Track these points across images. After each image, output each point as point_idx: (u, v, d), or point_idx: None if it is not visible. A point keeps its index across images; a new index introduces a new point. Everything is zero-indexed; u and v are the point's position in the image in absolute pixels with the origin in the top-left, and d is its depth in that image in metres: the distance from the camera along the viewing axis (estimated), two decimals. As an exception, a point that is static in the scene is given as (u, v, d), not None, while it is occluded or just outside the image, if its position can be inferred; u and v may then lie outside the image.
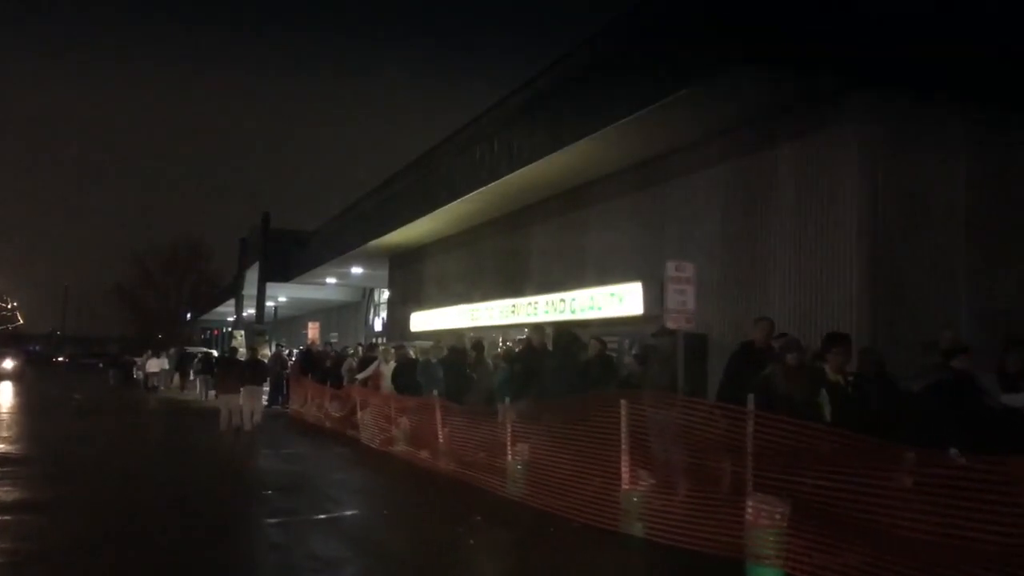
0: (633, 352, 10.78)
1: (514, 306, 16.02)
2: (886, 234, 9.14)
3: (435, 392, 12.11)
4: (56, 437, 15.66)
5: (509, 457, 9.67)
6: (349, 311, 44.47)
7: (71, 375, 49.19)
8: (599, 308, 13.09)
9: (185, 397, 28.17)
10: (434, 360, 13.14)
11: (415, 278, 22.81)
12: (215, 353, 38.91)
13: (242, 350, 36.87)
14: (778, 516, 5.97)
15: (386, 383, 15.92)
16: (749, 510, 6.12)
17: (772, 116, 10.32)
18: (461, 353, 12.23)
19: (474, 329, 17.86)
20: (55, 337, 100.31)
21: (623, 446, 7.75)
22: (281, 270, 33.56)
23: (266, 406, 22.08)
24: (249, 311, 46.43)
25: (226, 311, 58.38)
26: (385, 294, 39.74)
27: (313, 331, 25.07)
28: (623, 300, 12.54)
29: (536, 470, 9.04)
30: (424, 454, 12.21)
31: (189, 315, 60.43)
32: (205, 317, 63.38)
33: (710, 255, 10.99)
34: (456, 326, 18.77)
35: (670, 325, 8.10)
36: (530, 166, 13.75)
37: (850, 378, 6.79)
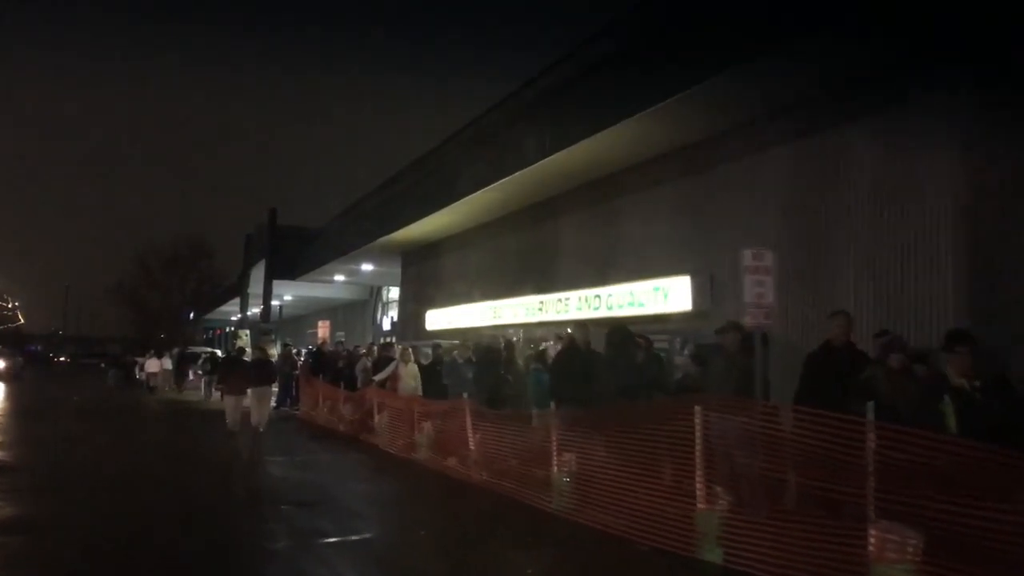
0: (686, 351, 9.79)
1: (541, 303, 15.00)
2: (984, 218, 8.10)
3: (464, 395, 11.15)
4: (48, 443, 14.65)
5: (555, 468, 8.68)
6: (356, 310, 43.48)
7: (71, 376, 48.33)
8: (640, 304, 12.08)
9: (186, 398, 27.31)
10: (460, 360, 12.16)
11: (430, 275, 21.82)
12: (220, 353, 38.06)
13: (248, 350, 36.03)
14: (910, 549, 4.99)
15: (405, 385, 15.02)
16: (872, 541, 5.13)
17: (846, 89, 9.29)
18: (495, 353, 11.21)
19: (496, 328, 16.85)
20: (57, 337, 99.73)
21: (698, 459, 6.75)
22: (288, 267, 32.58)
23: (274, 408, 21.22)
24: (254, 310, 45.50)
25: (230, 310, 57.42)
26: (394, 292, 38.83)
27: (323, 330, 24.06)
28: (668, 295, 11.53)
29: (587, 484, 8.04)
30: (451, 462, 11.23)
31: (192, 314, 59.51)
32: (208, 317, 62.50)
33: (769, 244, 9.93)
34: (476, 324, 17.78)
35: (748, 322, 7.09)
36: (562, 152, 12.76)
37: (976, 383, 5.78)
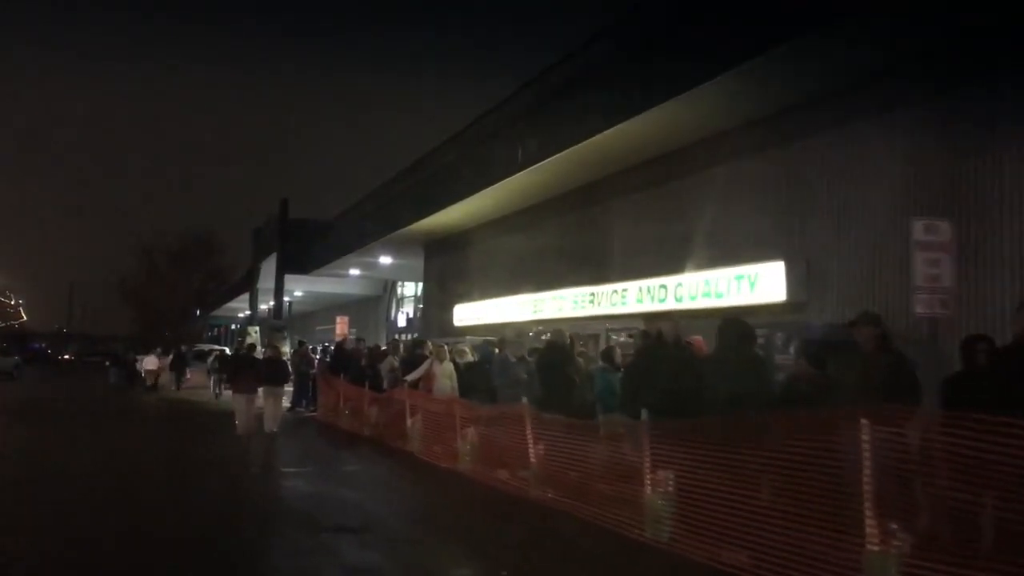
0: (792, 349, 8.32)
1: (593, 295, 13.52)
2: None
3: (520, 397, 9.72)
4: (38, 451, 13.18)
5: (648, 489, 7.23)
6: (369, 306, 42.04)
7: (73, 374, 47.09)
8: (718, 295, 10.60)
9: (188, 396, 26.13)
10: (513, 358, 10.72)
11: (458, 266, 20.34)
12: (228, 351, 36.75)
13: (258, 347, 34.61)
14: None
15: (440, 385, 13.62)
16: None
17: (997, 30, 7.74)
18: (561, 351, 9.72)
19: (538, 323, 15.40)
20: (60, 335, 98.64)
21: (867, 487, 5.28)
22: (300, 262, 31.15)
23: (288, 409, 19.83)
24: (263, 306, 44.11)
25: (237, 307, 56.01)
26: (408, 288, 37.50)
27: (341, 326, 22.65)
28: (756, 284, 10.05)
29: (694, 509, 6.59)
30: (502, 475, 9.80)
31: (197, 312, 58.15)
32: (215, 314, 61.14)
33: (892, 222, 8.45)
34: (512, 320, 16.33)
35: (920, 311, 5.64)
36: (622, 126, 11.30)
37: None
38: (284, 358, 18.71)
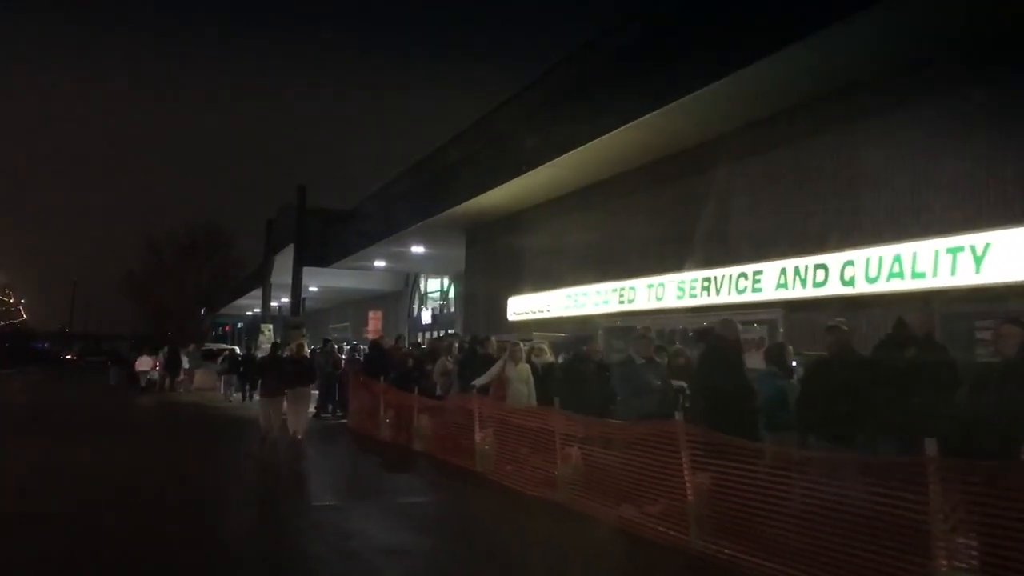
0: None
1: (709, 280, 10.94)
2: None
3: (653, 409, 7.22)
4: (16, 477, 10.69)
5: (943, 560, 4.73)
6: (388, 302, 39.47)
7: (74, 374, 44.77)
8: (918, 275, 8.00)
9: (196, 400, 23.93)
10: (640, 360, 8.16)
11: (510, 254, 17.75)
12: (238, 351, 34.57)
13: (267, 346, 32.10)
14: None
15: (515, 392, 11.16)
16: None
17: None
18: (731, 348, 7.15)
19: (623, 315, 12.86)
20: (64, 334, 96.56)
21: None
22: (319, 253, 28.61)
23: (313, 415, 16.98)
24: (275, 303, 41.57)
25: (246, 304, 53.40)
26: (433, 282, 34.91)
27: (375, 322, 20.13)
28: (983, 260, 7.46)
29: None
30: (628, 512, 7.33)
31: (203, 311, 55.49)
32: (222, 312, 58.47)
33: None
34: (589, 312, 13.79)
35: None
36: (760, 63, 8.76)
37: None
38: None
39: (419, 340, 26.11)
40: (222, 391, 25.39)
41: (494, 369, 11.47)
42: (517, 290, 16.91)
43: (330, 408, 19.43)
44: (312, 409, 17.09)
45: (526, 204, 16.42)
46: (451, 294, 31.85)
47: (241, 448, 11.65)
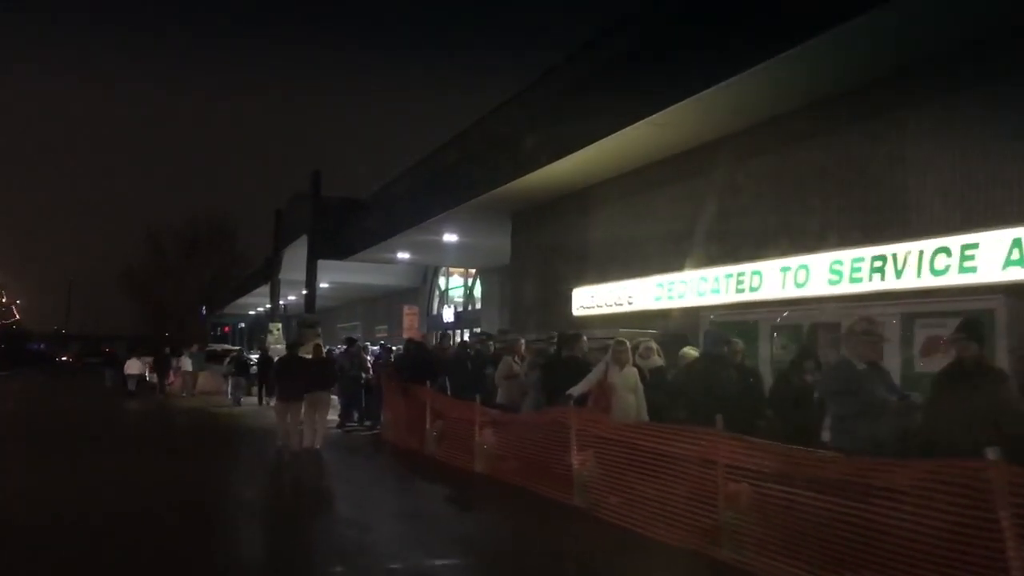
0: None
1: (883, 259, 8.40)
2: None
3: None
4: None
5: None
6: (404, 299, 36.96)
7: (69, 376, 42.60)
8: None
9: (200, 405, 22.21)
10: (861, 365, 5.62)
11: (575, 238, 15.14)
12: (247, 352, 32.47)
13: (278, 347, 29.79)
14: None
15: (622, 403, 8.83)
16: None
17: None
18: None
19: (741, 306, 10.39)
20: (60, 336, 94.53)
21: None
22: (335, 245, 26.07)
23: (336, 426, 15.59)
24: (284, 300, 38.95)
25: (250, 303, 50.83)
26: (452, 279, 32.39)
27: (411, 318, 17.66)
28: None
29: None
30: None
31: (204, 310, 52.86)
32: (224, 312, 55.77)
33: None
34: (690, 303, 11.33)
35: None
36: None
37: None
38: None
39: (437, 339, 23.68)
40: (229, 395, 23.80)
41: (594, 374, 9.03)
42: (583, 280, 14.42)
43: (355, 417, 17.13)
44: (333, 417, 14.85)
45: (599, 178, 13.89)
46: (476, 290, 29.37)
47: (254, 461, 9.49)
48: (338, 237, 26.00)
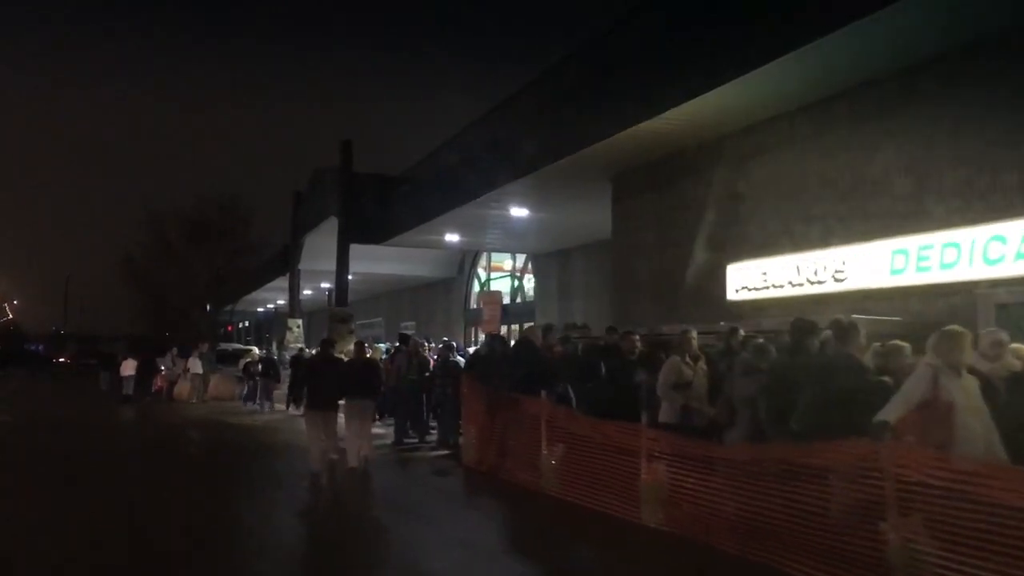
0: None
1: None
2: None
3: None
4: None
5: None
6: (433, 292, 33.40)
7: (66, 378, 40.09)
8: None
9: (212, 414, 19.55)
10: None
11: (721, 197, 11.46)
12: (257, 351, 29.03)
13: (297, 346, 26.56)
14: None
15: (965, 429, 5.20)
16: None
17: None
18: None
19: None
20: (59, 336, 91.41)
21: None
22: (369, 228, 22.48)
23: (392, 444, 13.19)
24: (303, 293, 35.26)
25: (259, 298, 47.18)
26: (496, 264, 28.66)
27: (492, 308, 14.11)
28: None
29: None
30: None
31: (208, 307, 48.90)
32: (229, 308, 51.76)
33: None
34: (956, 277, 7.79)
35: None
36: None
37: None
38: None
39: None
40: (256, 402, 21.63)
41: (915, 388, 5.47)
42: (741, 253, 10.81)
43: (406, 429, 13.85)
44: (379, 428, 11.86)
45: (776, 110, 10.26)
46: (528, 279, 25.79)
47: (287, 497, 8.14)
48: (372, 218, 22.44)
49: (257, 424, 17.68)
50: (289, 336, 28.41)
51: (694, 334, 8.29)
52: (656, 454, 7.56)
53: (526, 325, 12.99)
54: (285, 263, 32.80)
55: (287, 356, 28.07)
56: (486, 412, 11.06)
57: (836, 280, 9.03)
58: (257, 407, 22.33)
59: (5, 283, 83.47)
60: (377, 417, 16.51)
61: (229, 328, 58.73)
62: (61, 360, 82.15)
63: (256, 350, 32.58)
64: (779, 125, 10.23)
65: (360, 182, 22.61)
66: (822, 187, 9.54)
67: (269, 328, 64.34)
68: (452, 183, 17.96)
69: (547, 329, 10.92)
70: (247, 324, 70.11)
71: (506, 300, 27.04)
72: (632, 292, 13.54)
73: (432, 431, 14.11)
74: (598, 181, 14.10)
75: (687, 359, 8.17)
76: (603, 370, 9.12)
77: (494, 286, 28.79)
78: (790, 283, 9.69)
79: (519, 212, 17.15)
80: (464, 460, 11.50)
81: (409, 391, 14.30)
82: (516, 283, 26.82)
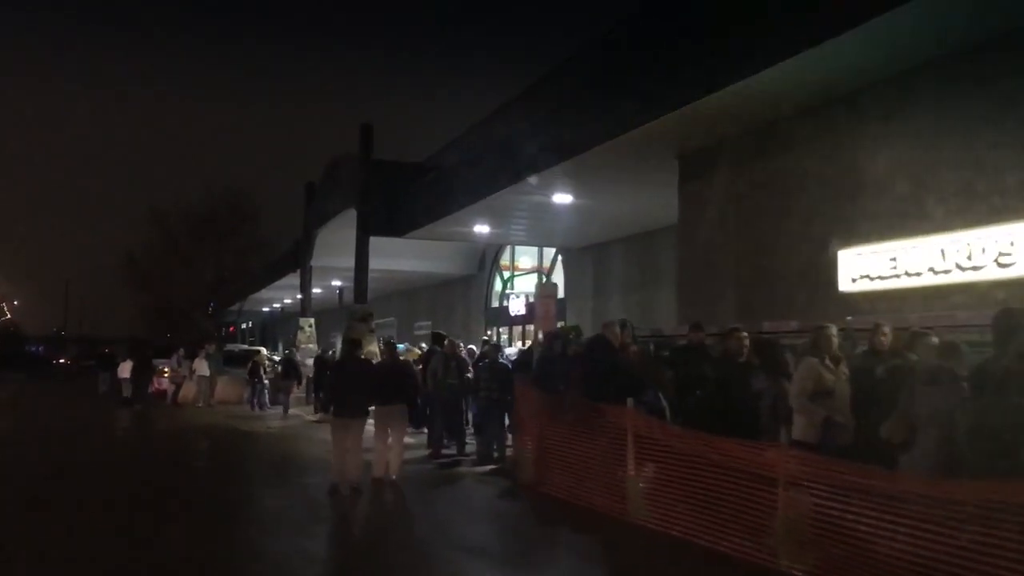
0: None
1: None
2: None
3: None
4: None
5: None
6: (450, 290, 31.75)
7: (65, 381, 38.85)
8: None
9: (221, 420, 18.50)
10: None
11: (827, 171, 9.75)
12: (266, 353, 27.72)
13: (310, 347, 25.05)
14: None
15: None
16: None
17: None
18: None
19: None
20: (59, 337, 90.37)
21: None
22: (390, 219, 20.85)
23: (428, 454, 12.01)
24: (312, 291, 33.53)
25: (264, 298, 45.47)
26: (521, 258, 26.87)
27: (547, 304, 12.46)
28: None
29: None
30: None
31: (210, 307, 47.31)
32: (234, 308, 50.15)
33: None
34: None
35: None
36: None
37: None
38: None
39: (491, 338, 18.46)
40: (261, 405, 21.06)
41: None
42: (854, 236, 9.14)
43: (448, 442, 12.32)
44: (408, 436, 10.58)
45: (883, 74, 8.59)
46: (559, 275, 24.14)
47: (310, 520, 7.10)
48: (394, 208, 20.81)
49: (272, 432, 16.14)
50: (301, 336, 26.81)
51: (834, 331, 6.66)
52: (801, 480, 5.97)
53: (603, 323, 11.33)
54: (295, 260, 31.18)
55: (299, 357, 26.63)
56: (548, 422, 9.51)
57: (1001, 265, 7.36)
58: (270, 410, 21.09)
59: (5, 284, 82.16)
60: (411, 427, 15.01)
61: (231, 329, 57.13)
62: (60, 362, 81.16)
63: (264, 351, 31.16)
64: (912, 81, 8.56)
65: (381, 170, 20.97)
66: (986, 151, 7.79)
67: (273, 329, 62.76)
68: (487, 168, 16.32)
69: (623, 325, 9.28)
70: (249, 325, 68.51)
71: (532, 299, 25.40)
72: (705, 284, 11.88)
73: (469, 441, 12.63)
74: (662, 160, 12.45)
75: (826, 361, 6.54)
76: (709, 374, 7.51)
77: (517, 284, 27.17)
78: (931, 270, 8.02)
79: (562, 199, 15.51)
80: (520, 478, 9.96)
81: (448, 397, 12.73)
82: (543, 280, 25.16)
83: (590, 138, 12.69)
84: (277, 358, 30.46)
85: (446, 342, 12.98)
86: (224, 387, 25.04)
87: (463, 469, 11.38)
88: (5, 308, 76.24)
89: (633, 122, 11.57)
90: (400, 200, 20.66)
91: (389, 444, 9.52)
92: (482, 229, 19.46)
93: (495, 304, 28.51)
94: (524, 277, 26.93)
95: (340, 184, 23.39)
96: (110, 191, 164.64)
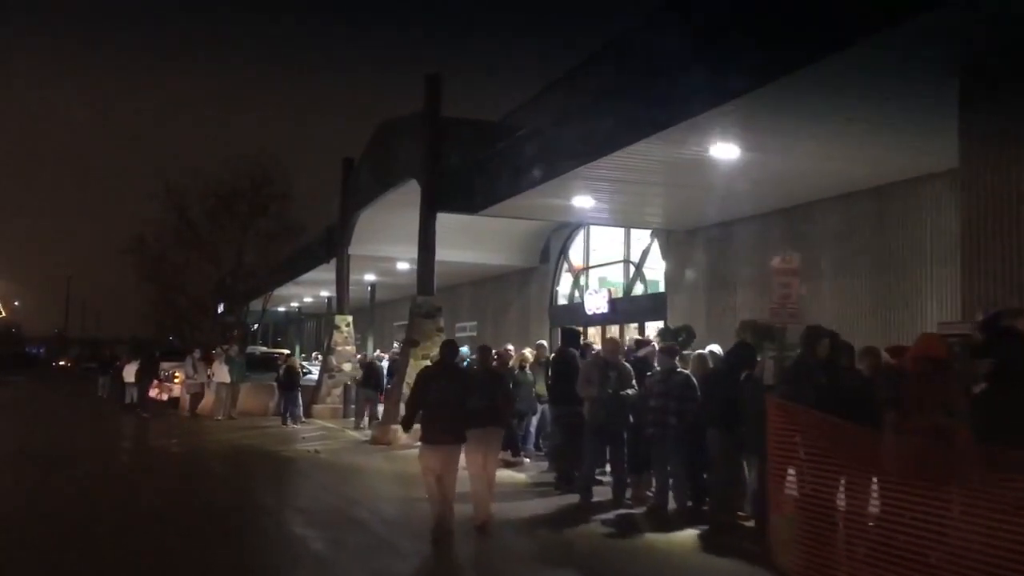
0: None
1: None
2: None
3: None
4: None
5: None
6: (502, 286, 27.63)
7: (64, 384, 37.53)
8: None
9: (244, 438, 16.08)
10: None
11: None
12: (279, 353, 24.58)
13: (347, 348, 21.98)
14: None
15: None
16: None
17: None
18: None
19: None
20: (61, 338, 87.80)
21: None
22: (464, 193, 16.81)
23: (577, 502, 9.12)
24: (325, 293, 29.51)
25: (283, 295, 41.28)
26: (595, 245, 22.58)
27: (786, 278, 8.36)
28: None
29: None
30: None
31: (220, 307, 43.17)
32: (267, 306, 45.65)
33: None
34: None
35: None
36: None
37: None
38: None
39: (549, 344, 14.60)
40: (282, 415, 18.96)
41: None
42: None
43: (577, 480, 8.88)
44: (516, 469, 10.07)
45: None
46: (651, 267, 20.06)
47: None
48: (467, 179, 16.79)
49: (322, 458, 12.29)
50: (337, 336, 22.83)
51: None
52: None
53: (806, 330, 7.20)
54: (324, 250, 27.14)
55: (333, 361, 22.75)
56: (837, 468, 5.67)
57: None
58: (303, 423, 18.89)
59: (4, 284, 79.05)
60: (511, 455, 11.31)
61: (241, 333, 52.87)
62: (61, 364, 78.84)
63: (286, 352, 27.19)
64: None
65: (454, 131, 16.92)
66: None
67: (286, 330, 58.68)
68: (611, 118, 12.27)
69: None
70: (255, 326, 64.48)
71: (618, 293, 21.33)
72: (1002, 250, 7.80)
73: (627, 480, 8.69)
74: (933, 73, 8.39)
75: None
76: None
77: (592, 278, 23.10)
78: None
79: (725, 151, 11.43)
80: (778, 560, 6.17)
81: (604, 424, 8.76)
82: (631, 271, 21.11)
83: (798, 55, 8.62)
84: (305, 363, 26.55)
85: (608, 343, 8.98)
86: (247, 396, 21.69)
87: (660, 537, 7.55)
88: (0, 308, 72.96)
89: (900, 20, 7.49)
90: (473, 169, 16.63)
91: (484, 474, 7.59)
92: (583, 202, 15.38)
93: (562, 301, 24.42)
94: (601, 270, 22.82)
95: (393, 153, 19.34)
96: (121, 172, 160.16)
